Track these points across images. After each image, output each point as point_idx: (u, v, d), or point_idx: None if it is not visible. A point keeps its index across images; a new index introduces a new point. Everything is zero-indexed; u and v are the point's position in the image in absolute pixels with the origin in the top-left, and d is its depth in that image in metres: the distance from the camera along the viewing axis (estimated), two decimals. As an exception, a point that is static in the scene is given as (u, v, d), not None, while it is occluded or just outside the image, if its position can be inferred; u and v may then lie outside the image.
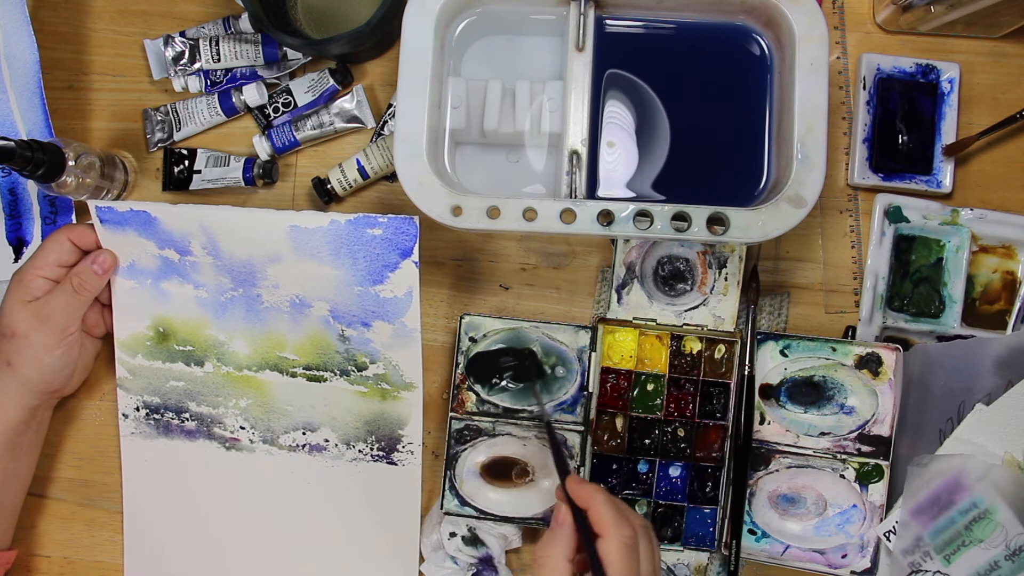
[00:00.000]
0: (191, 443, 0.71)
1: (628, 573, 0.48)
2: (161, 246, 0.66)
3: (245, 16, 0.71)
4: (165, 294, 0.68)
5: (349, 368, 0.68)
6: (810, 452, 0.67)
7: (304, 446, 0.70)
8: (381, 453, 0.70)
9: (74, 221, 0.71)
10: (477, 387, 0.67)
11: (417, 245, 0.64)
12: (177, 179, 0.71)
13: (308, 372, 0.69)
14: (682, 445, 0.67)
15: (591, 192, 0.64)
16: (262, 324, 0.68)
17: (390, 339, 0.67)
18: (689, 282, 0.68)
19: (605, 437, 0.67)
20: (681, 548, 0.67)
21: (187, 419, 0.71)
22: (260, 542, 0.71)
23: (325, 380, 0.69)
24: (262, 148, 0.71)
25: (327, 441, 0.70)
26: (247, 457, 0.71)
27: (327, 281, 0.66)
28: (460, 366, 0.67)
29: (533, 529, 0.69)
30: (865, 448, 0.66)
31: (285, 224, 0.64)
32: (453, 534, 0.68)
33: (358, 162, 0.70)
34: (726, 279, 0.67)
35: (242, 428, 0.70)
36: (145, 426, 0.71)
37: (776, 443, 0.67)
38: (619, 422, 0.67)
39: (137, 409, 0.71)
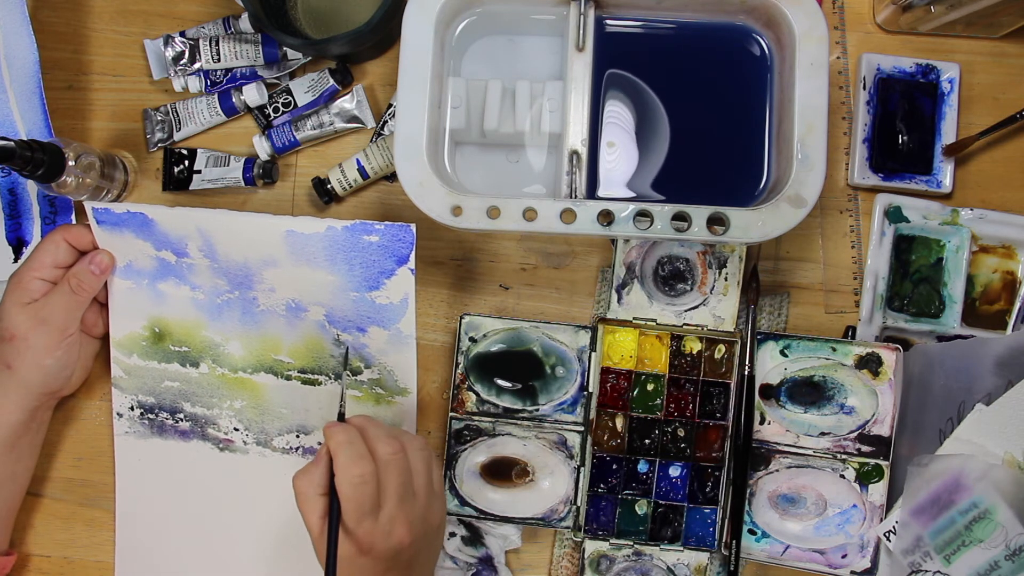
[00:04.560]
0: (185, 443, 0.71)
1: (357, 503, 0.53)
2: (158, 247, 0.66)
3: (245, 16, 0.71)
4: (161, 295, 0.68)
5: (343, 372, 0.68)
6: (810, 452, 0.67)
7: (298, 449, 0.70)
8: None
9: (73, 221, 0.71)
10: (477, 387, 0.67)
11: (413, 252, 0.64)
12: (177, 179, 0.71)
13: (303, 375, 0.69)
14: (682, 445, 0.67)
15: (591, 192, 0.64)
16: (258, 327, 0.68)
17: (385, 344, 0.67)
18: (689, 282, 0.68)
19: (605, 437, 0.67)
20: (681, 548, 0.67)
21: (181, 419, 0.71)
22: (252, 543, 0.71)
23: (320, 384, 0.69)
24: (262, 148, 0.71)
25: (320, 444, 0.70)
26: (240, 459, 0.71)
27: (323, 286, 0.66)
28: (460, 366, 0.67)
29: (533, 529, 0.69)
30: (865, 448, 0.66)
31: (281, 229, 0.64)
32: (453, 534, 0.68)
33: (358, 162, 0.70)
34: (726, 279, 0.67)
35: (236, 430, 0.70)
36: (139, 426, 0.71)
37: (776, 443, 0.67)
38: (619, 422, 0.67)
39: (132, 408, 0.71)
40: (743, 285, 0.68)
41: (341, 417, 0.61)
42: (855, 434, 0.66)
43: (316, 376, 0.69)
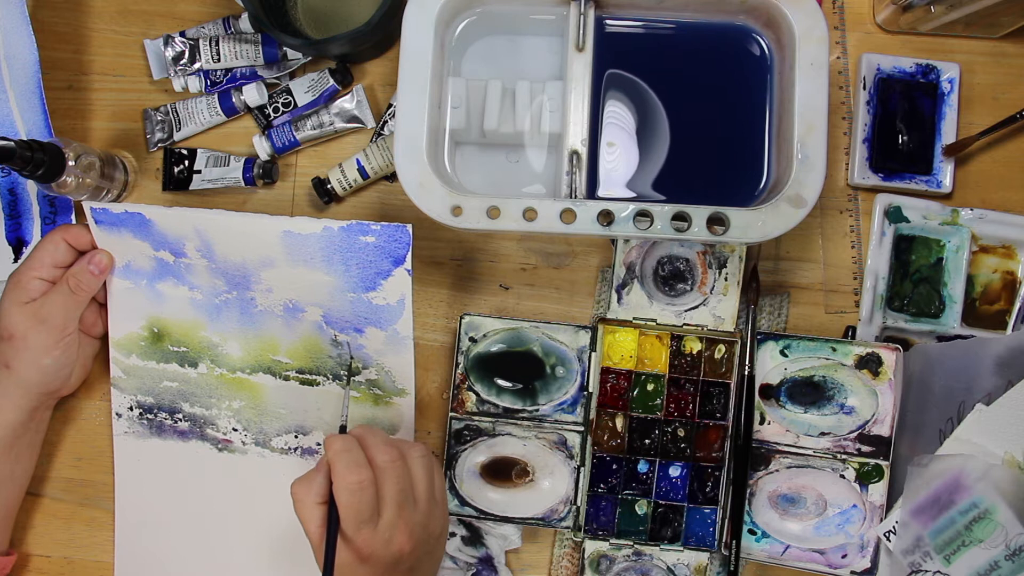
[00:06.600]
0: (183, 443, 0.71)
1: (356, 511, 0.53)
2: (156, 248, 0.66)
3: (245, 16, 0.71)
4: (160, 295, 0.68)
5: (341, 373, 0.68)
6: (810, 452, 0.67)
7: (296, 449, 0.70)
8: None
9: (73, 221, 0.71)
10: (477, 387, 0.67)
11: (410, 253, 0.63)
12: (177, 179, 0.71)
13: (301, 376, 0.69)
14: (682, 445, 0.67)
15: (591, 192, 0.64)
16: (256, 327, 0.68)
17: (383, 345, 0.67)
18: (689, 282, 0.68)
19: (605, 437, 0.67)
20: (681, 548, 0.67)
21: (180, 419, 0.71)
22: (251, 543, 0.71)
23: (318, 384, 0.69)
24: (262, 148, 0.71)
25: (319, 445, 0.70)
26: (239, 459, 0.71)
27: (320, 287, 0.66)
28: (460, 366, 0.67)
29: (533, 529, 0.69)
30: (865, 448, 0.66)
31: (278, 230, 0.63)
32: (453, 534, 0.68)
33: (358, 162, 0.70)
34: (726, 279, 0.67)
35: (235, 430, 0.70)
36: (138, 426, 0.71)
37: (776, 443, 0.67)
38: (619, 422, 0.67)
39: (131, 409, 0.71)
40: (743, 285, 0.68)
41: (343, 430, 0.61)
42: (855, 434, 0.66)
43: (314, 376, 0.69)
